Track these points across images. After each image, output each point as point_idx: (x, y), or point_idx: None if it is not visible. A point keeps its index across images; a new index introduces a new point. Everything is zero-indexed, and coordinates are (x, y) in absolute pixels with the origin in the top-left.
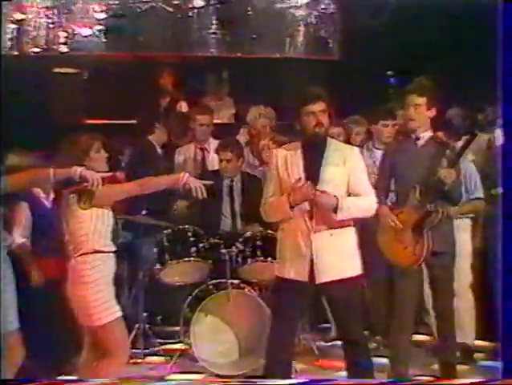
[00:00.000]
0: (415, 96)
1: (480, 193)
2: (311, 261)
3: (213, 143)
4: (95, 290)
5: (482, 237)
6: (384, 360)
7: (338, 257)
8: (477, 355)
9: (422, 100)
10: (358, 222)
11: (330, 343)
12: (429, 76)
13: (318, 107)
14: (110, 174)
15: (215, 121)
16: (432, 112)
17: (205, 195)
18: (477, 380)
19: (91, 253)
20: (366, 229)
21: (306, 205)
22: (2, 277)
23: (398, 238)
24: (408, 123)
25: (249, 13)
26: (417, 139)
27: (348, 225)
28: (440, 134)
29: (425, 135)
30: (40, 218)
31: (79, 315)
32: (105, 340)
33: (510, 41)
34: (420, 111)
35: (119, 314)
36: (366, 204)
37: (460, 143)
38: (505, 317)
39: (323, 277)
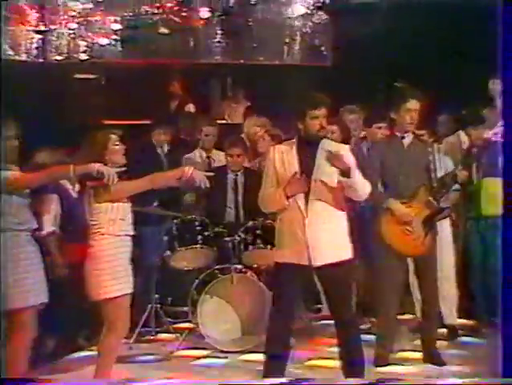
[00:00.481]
0: (415, 102)
1: (458, 185)
2: (307, 246)
3: (218, 154)
4: (107, 265)
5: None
6: (372, 337)
7: (330, 243)
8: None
9: (419, 105)
10: (352, 210)
11: (321, 322)
12: (419, 82)
13: (323, 112)
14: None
15: (222, 122)
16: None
17: (207, 185)
18: (477, 380)
19: (109, 234)
20: (360, 217)
21: (301, 197)
22: (30, 257)
23: (406, 229)
24: (406, 125)
25: (251, 24)
26: (402, 138)
27: (341, 211)
28: (420, 132)
29: (409, 134)
30: (68, 207)
31: (90, 290)
32: (108, 313)
33: (510, 41)
34: (418, 115)
35: (126, 292)
36: (364, 182)
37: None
38: (506, 316)
39: (317, 261)
